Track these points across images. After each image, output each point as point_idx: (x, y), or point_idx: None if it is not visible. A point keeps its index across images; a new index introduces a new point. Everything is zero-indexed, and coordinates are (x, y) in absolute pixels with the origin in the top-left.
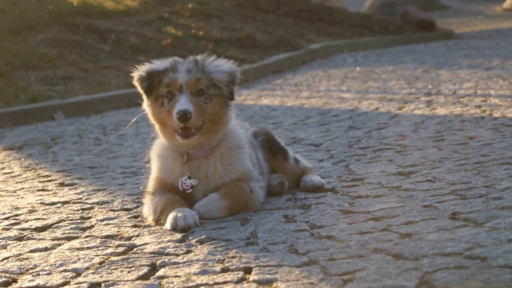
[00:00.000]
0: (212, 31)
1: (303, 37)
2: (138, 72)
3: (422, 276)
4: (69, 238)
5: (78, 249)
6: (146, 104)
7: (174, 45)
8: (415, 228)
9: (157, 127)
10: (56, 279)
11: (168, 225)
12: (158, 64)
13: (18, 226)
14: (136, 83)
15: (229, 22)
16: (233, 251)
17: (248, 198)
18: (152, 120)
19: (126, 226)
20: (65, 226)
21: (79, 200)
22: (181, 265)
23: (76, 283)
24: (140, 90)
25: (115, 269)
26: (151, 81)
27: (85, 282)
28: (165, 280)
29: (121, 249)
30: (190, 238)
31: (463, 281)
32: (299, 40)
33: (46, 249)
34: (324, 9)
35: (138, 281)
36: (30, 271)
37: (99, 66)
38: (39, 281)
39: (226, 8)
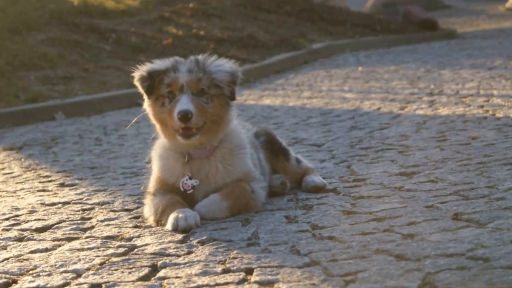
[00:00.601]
0: (213, 30)
1: (304, 37)
2: (139, 72)
3: (425, 277)
4: (69, 239)
5: (78, 250)
6: (147, 104)
7: (175, 45)
8: (417, 228)
9: (158, 127)
10: (57, 280)
11: (169, 226)
12: (159, 64)
13: (18, 227)
14: (137, 83)
15: (231, 22)
16: (234, 252)
17: (249, 199)
18: (153, 120)
19: (126, 227)
20: (65, 226)
21: (79, 201)
22: (182, 266)
23: (77, 284)
24: (141, 90)
25: (116, 270)
26: (152, 81)
27: (85, 283)
28: (166, 281)
29: (121, 250)
30: (191, 239)
31: (466, 282)
32: (301, 40)
33: (46, 250)
34: (326, 8)
35: (139, 282)
36: (30, 272)
37: (100, 66)
38: (39, 282)
39: (227, 8)
